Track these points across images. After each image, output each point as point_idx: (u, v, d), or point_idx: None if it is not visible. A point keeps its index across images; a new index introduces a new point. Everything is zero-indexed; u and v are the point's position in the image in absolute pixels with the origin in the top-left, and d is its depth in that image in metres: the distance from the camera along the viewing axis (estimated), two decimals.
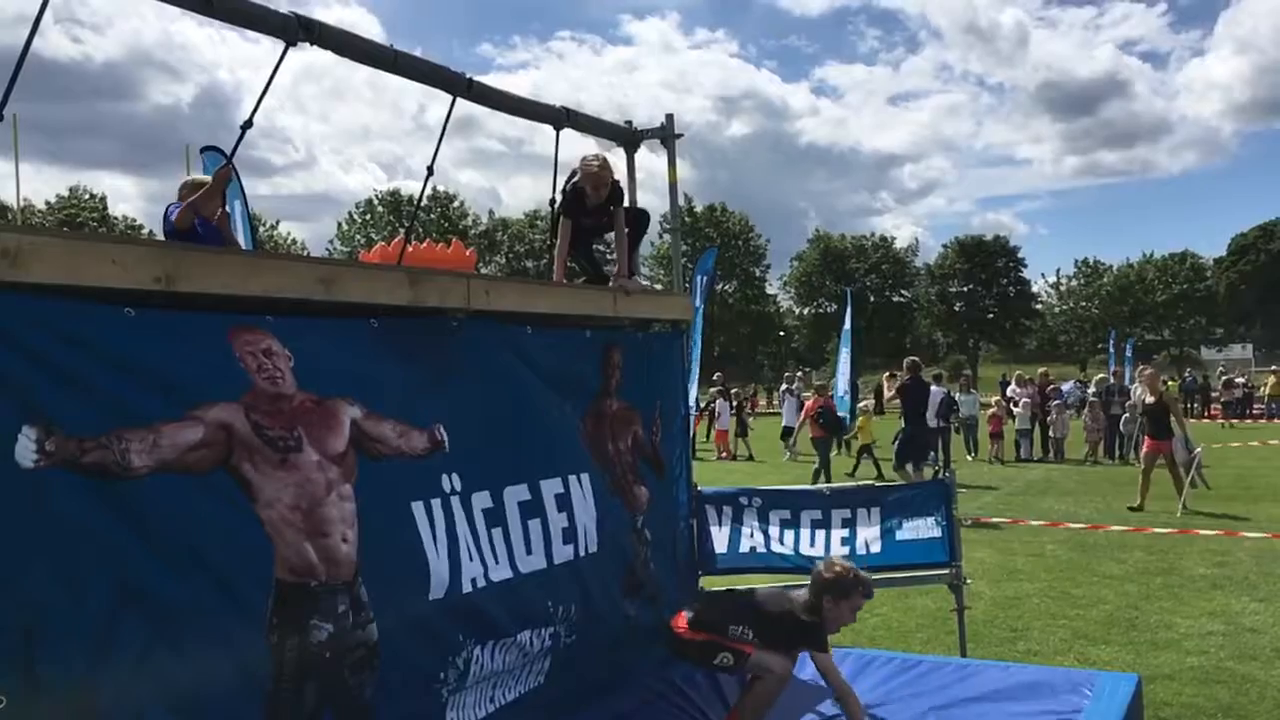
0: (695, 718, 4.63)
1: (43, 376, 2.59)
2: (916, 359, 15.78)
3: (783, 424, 23.28)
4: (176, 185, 5.37)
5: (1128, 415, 18.96)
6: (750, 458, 23.08)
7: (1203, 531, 10.72)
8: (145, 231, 63.22)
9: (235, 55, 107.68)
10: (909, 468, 13.89)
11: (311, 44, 3.96)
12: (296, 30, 3.84)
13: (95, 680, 2.63)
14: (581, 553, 4.62)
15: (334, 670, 3.29)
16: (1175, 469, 12.92)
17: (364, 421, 3.51)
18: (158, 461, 2.79)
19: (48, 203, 63.03)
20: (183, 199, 5.08)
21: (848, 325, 22.37)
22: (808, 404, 17.96)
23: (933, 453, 14.89)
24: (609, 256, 5.76)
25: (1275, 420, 32.09)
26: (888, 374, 21.43)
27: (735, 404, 24.94)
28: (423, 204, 26.69)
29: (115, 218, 65.46)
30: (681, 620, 4.61)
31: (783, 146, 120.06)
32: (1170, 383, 36.59)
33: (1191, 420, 34.14)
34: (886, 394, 17.58)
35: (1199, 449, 13.74)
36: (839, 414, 18.05)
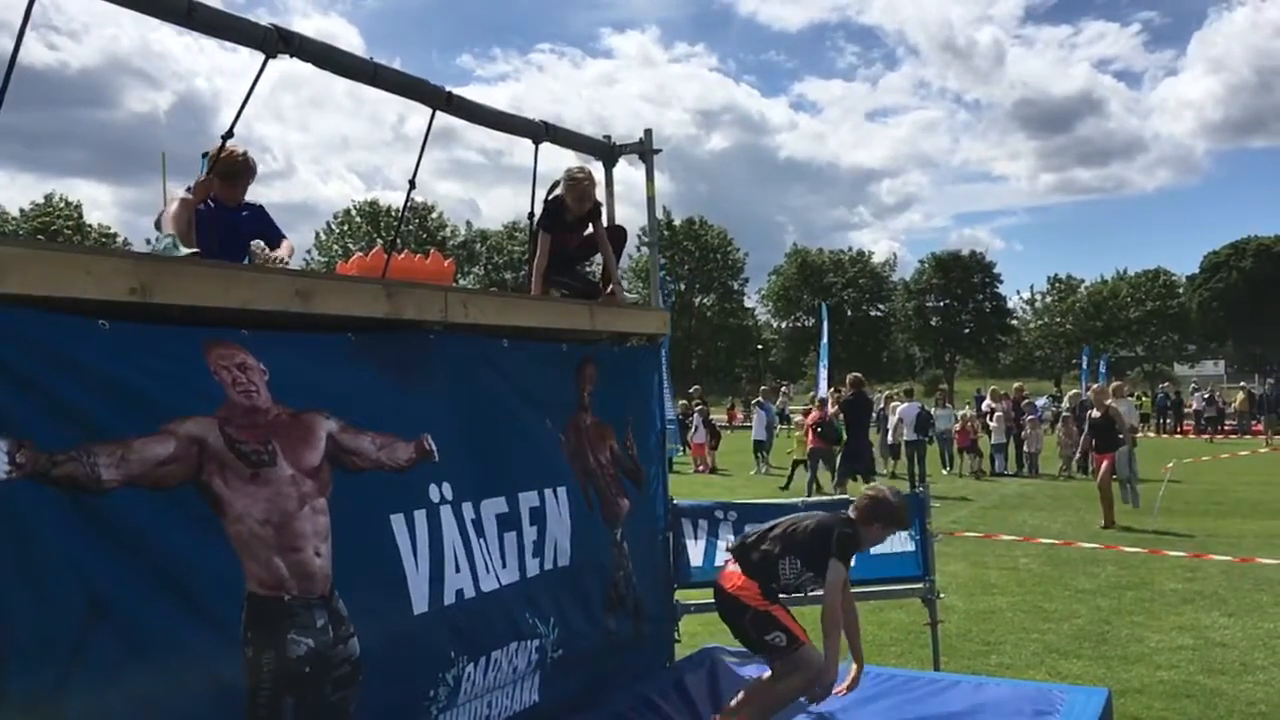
0: None
1: (14, 389, 2.57)
2: (859, 375, 16.10)
3: (753, 438, 23.34)
4: (152, 194, 5.24)
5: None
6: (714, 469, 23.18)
7: (1171, 552, 10.82)
8: (120, 240, 62.86)
9: (213, 64, 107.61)
10: (858, 480, 14.14)
11: (291, 56, 3.96)
12: (276, 42, 3.84)
13: (65, 695, 2.60)
14: (558, 565, 4.62)
15: (315, 686, 3.26)
16: (1108, 483, 13.11)
17: (340, 435, 3.50)
18: (126, 475, 2.77)
19: (22, 210, 62.54)
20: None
21: (825, 339, 22.51)
22: (809, 416, 18.05)
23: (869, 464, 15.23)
24: (589, 269, 5.78)
25: (1245, 436, 32.48)
26: (832, 389, 21.64)
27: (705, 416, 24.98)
28: (400, 214, 26.74)
29: (90, 226, 64.96)
30: (735, 577, 4.54)
31: (761, 161, 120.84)
32: (1144, 398, 36.99)
33: (1164, 436, 34.59)
34: (830, 409, 17.92)
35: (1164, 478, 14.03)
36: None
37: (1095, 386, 15.53)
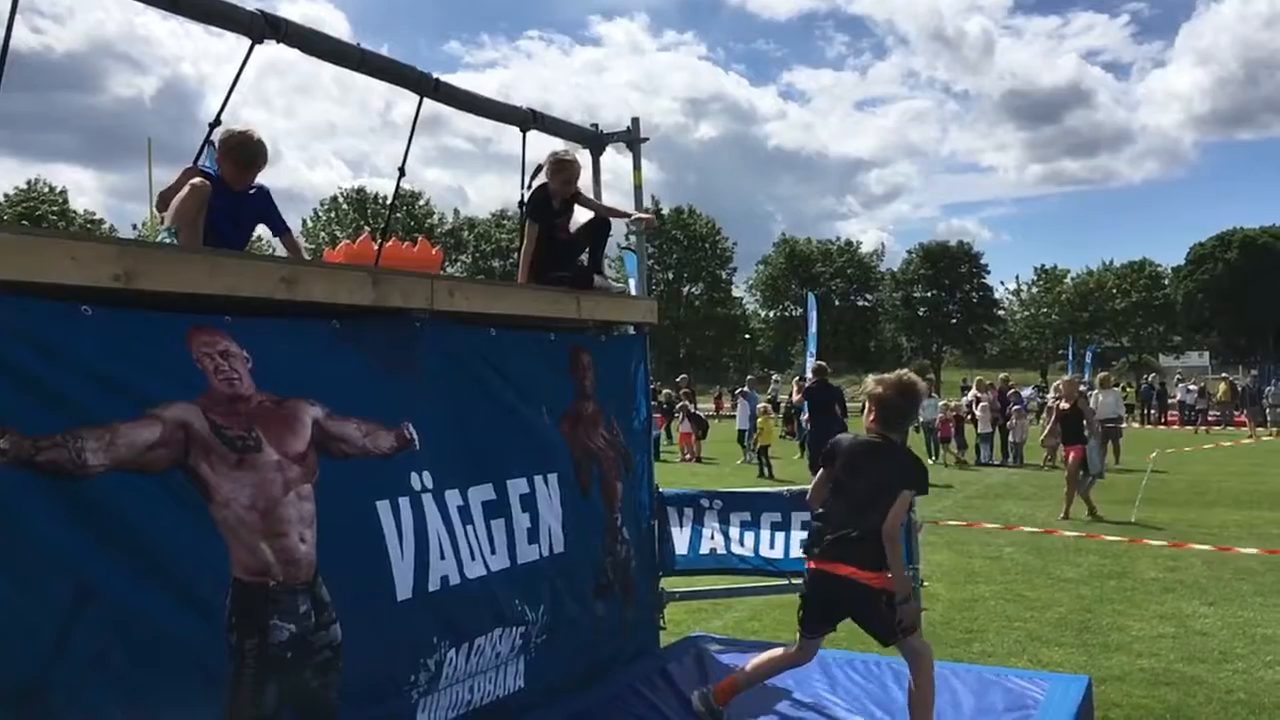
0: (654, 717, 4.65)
1: None
2: (823, 364, 16.28)
3: (737, 427, 23.39)
4: (138, 179, 4.97)
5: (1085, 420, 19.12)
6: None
7: (1153, 541, 10.90)
8: (106, 227, 62.45)
9: (199, 48, 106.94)
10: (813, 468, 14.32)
11: (278, 42, 3.95)
12: (263, 28, 3.84)
13: (50, 679, 2.61)
14: (548, 552, 4.63)
15: (296, 671, 3.28)
16: (1074, 475, 13.14)
17: (326, 422, 3.50)
18: (113, 460, 2.78)
19: (6, 195, 62.00)
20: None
21: (813, 329, 22.55)
22: None
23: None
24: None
25: (1228, 427, 32.72)
26: (797, 379, 21.85)
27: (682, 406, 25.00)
28: (389, 202, 26.67)
29: (75, 211, 64.49)
30: (847, 568, 4.14)
31: (750, 150, 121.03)
32: (1129, 389, 37.19)
33: (1148, 426, 34.79)
34: (794, 397, 18.10)
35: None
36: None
37: (1065, 378, 15.42)
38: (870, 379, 4.47)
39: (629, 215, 5.69)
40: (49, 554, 2.63)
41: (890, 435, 4.33)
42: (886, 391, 4.30)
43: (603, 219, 5.54)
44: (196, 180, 4.17)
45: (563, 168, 5.12)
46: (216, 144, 4.35)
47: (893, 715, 4.55)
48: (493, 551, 4.28)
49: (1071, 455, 13.24)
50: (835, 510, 4.27)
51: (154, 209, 4.44)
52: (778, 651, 4.47)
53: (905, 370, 4.48)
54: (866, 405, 4.42)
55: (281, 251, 4.91)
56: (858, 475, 4.25)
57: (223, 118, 4.03)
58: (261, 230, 4.98)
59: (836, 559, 4.18)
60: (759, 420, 20.07)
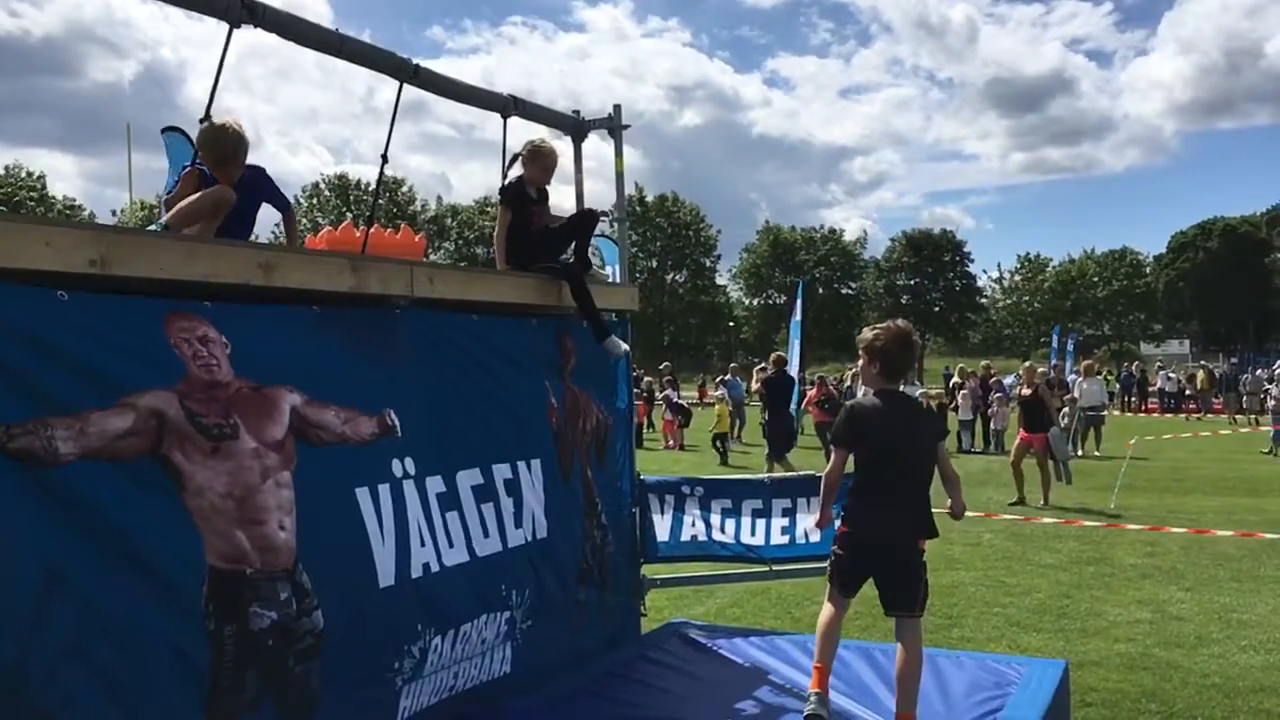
0: (635, 705, 4.67)
1: None
2: (782, 354, 16.57)
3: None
4: (117, 164, 4.75)
5: (1066, 410, 19.21)
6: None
7: (1131, 527, 11.00)
8: (86, 212, 61.96)
9: (178, 33, 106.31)
10: (772, 457, 15.00)
11: (255, 27, 3.92)
12: (240, 12, 3.80)
13: (25, 668, 2.60)
14: (532, 538, 4.64)
15: (277, 658, 3.27)
16: (1045, 464, 13.17)
17: (304, 408, 3.49)
18: (83, 449, 2.75)
19: None
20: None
21: (798, 316, 22.56)
22: (810, 393, 18.32)
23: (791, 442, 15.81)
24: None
25: (1207, 415, 33.00)
26: (758, 367, 22.08)
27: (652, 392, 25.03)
28: (371, 189, 26.49)
29: (54, 197, 63.96)
30: (908, 537, 4.36)
31: (734, 137, 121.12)
32: (1110, 376, 37.43)
33: (1129, 414, 35.03)
34: (754, 386, 18.35)
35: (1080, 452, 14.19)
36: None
37: (1025, 364, 15.36)
38: (866, 331, 4.46)
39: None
40: (21, 540, 2.60)
41: (895, 385, 4.37)
42: (889, 344, 4.29)
43: (587, 214, 5.49)
44: (217, 188, 4.05)
45: (539, 156, 5.10)
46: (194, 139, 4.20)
47: (869, 694, 4.58)
48: (485, 536, 4.29)
49: (1035, 443, 13.20)
50: (879, 477, 4.32)
51: (159, 215, 4.26)
52: (828, 618, 4.40)
53: (900, 320, 4.50)
54: (865, 359, 4.40)
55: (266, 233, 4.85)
56: (893, 438, 4.27)
57: (200, 100, 3.99)
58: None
59: (894, 527, 4.34)
60: (716, 409, 20.29)
